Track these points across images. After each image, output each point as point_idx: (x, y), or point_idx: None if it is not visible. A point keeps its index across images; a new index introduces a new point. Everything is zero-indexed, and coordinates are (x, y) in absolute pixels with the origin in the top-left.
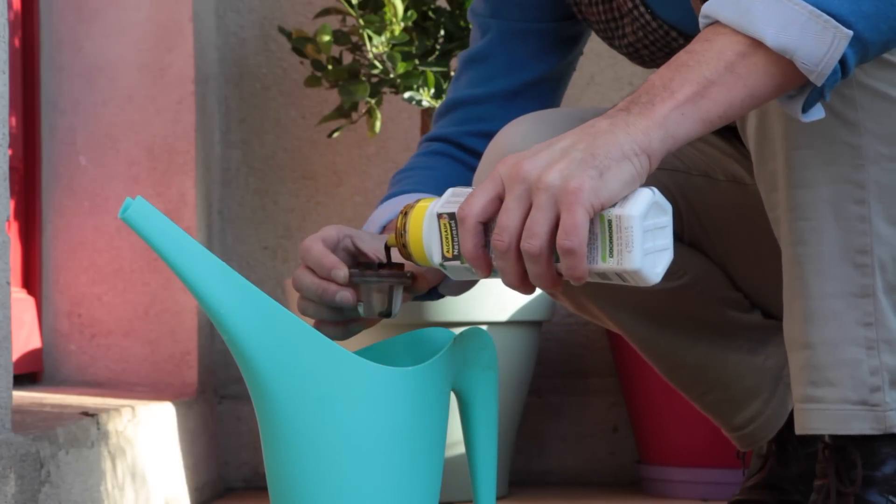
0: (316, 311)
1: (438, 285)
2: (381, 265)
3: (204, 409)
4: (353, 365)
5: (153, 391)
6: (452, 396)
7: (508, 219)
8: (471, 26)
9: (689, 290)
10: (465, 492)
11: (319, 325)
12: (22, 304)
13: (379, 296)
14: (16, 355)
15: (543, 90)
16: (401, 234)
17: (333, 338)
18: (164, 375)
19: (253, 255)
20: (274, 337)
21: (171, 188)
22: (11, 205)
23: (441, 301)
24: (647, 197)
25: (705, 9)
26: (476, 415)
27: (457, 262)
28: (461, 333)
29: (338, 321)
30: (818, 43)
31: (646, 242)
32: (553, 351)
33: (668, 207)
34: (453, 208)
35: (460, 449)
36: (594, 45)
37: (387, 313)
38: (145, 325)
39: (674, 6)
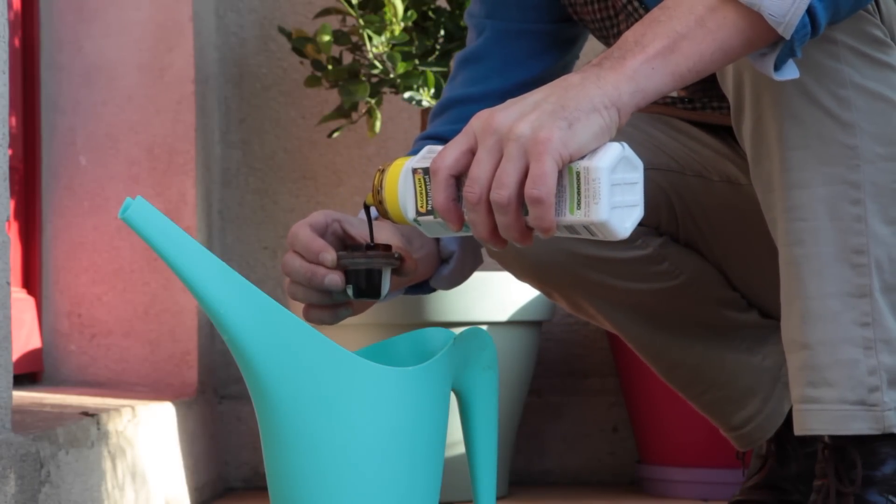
0: (305, 295)
1: (430, 279)
2: (368, 247)
3: (204, 409)
4: (353, 365)
5: (153, 391)
6: (452, 396)
7: (479, 170)
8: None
9: (685, 290)
10: (465, 492)
11: (309, 310)
12: (22, 304)
13: (367, 278)
14: (16, 355)
15: None
16: (377, 190)
17: (322, 322)
18: (164, 375)
19: (253, 255)
20: (274, 337)
21: (171, 188)
22: (11, 205)
23: (441, 301)
24: (617, 151)
25: None
26: (476, 415)
27: (430, 217)
28: (461, 333)
29: (327, 305)
30: None
31: (614, 196)
32: (553, 351)
33: (640, 164)
34: (428, 163)
35: (460, 449)
36: (590, 47)
37: (375, 295)
38: (145, 325)
39: None
